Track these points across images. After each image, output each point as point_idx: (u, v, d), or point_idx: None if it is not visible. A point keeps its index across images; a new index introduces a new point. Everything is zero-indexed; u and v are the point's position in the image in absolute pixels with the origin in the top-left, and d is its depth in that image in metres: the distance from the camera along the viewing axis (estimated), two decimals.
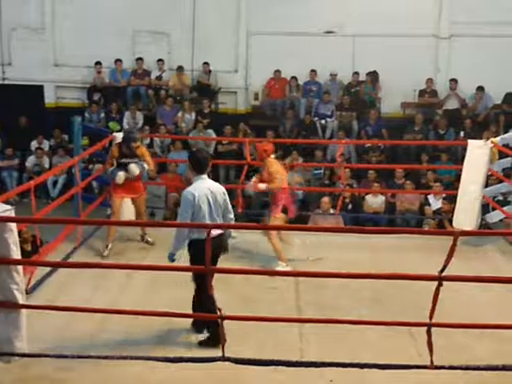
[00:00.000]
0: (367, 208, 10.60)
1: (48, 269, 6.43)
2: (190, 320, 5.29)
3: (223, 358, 4.57)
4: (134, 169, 7.32)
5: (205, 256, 4.42)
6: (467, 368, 4.64)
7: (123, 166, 7.30)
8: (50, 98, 13.71)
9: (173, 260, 5.10)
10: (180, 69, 13.22)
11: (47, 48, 13.60)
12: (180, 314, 4.98)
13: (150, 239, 7.57)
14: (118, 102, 13.08)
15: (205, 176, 5.18)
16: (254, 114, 13.54)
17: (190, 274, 5.11)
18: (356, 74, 13.16)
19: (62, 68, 13.62)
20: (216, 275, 4.87)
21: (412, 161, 11.69)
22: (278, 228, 6.99)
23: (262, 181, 7.04)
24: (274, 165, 6.96)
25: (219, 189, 5.18)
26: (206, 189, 5.09)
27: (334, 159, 11.12)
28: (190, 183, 5.26)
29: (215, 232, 4.99)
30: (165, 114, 12.85)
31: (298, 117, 13.07)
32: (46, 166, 12.31)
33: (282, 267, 6.64)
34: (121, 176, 7.25)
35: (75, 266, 6.00)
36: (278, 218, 6.79)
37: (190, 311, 5.05)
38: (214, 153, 12.22)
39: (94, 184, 10.97)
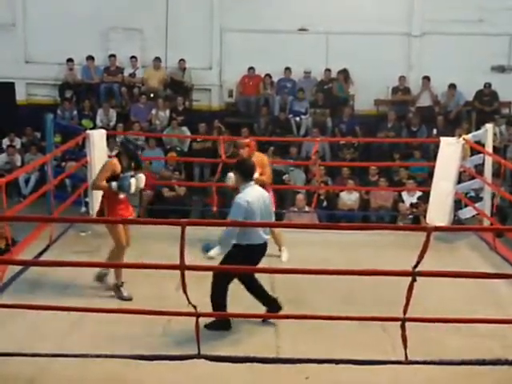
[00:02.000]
0: (342, 205, 10.65)
1: (19, 267, 6.34)
2: (166, 317, 5.26)
3: (199, 356, 4.56)
4: (142, 179, 5.95)
5: (248, 260, 5.04)
6: (441, 363, 4.71)
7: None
8: (21, 96, 13.55)
9: (207, 250, 5.42)
10: (157, 60, 13.14)
11: (18, 45, 13.45)
12: (158, 311, 4.96)
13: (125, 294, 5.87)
14: (90, 99, 12.97)
15: (253, 182, 5.27)
16: (229, 111, 13.53)
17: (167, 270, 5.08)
18: (328, 71, 13.22)
19: (34, 65, 13.47)
20: (191, 273, 4.85)
21: (385, 158, 11.78)
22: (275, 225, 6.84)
23: None
24: (264, 158, 6.95)
25: (267, 195, 5.38)
26: (257, 195, 5.21)
27: (309, 156, 11.16)
28: (237, 191, 5.32)
29: (266, 238, 5.27)
30: (138, 111, 12.78)
31: (273, 114, 13.10)
32: (18, 163, 12.16)
33: (285, 253, 6.91)
34: (132, 183, 5.75)
35: (48, 265, 5.94)
36: None
37: (169, 308, 5.02)
38: (188, 150, 12.20)
39: (67, 182, 10.86)
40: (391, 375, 4.60)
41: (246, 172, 5.25)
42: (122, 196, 5.84)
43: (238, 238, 5.12)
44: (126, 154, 5.89)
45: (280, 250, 6.99)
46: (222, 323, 5.18)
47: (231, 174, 6.21)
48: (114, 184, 5.70)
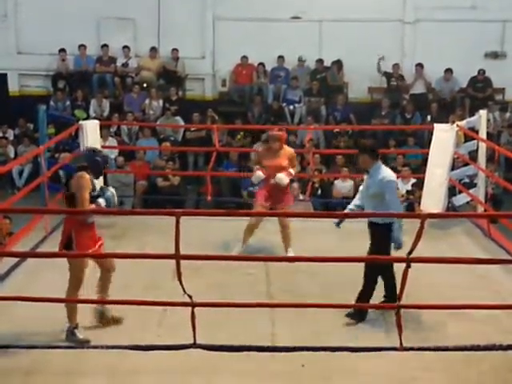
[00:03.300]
0: (336, 193, 10.66)
1: (16, 259, 6.34)
2: (162, 307, 5.26)
3: (195, 345, 4.57)
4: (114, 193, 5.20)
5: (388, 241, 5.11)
6: (436, 349, 4.73)
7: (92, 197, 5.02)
8: (13, 87, 13.44)
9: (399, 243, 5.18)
10: (153, 49, 13.08)
11: (10, 35, 13.32)
12: (153, 301, 4.97)
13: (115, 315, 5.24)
14: (83, 89, 12.91)
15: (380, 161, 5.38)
16: (222, 100, 13.48)
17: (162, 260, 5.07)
18: (321, 60, 13.17)
19: (26, 56, 13.35)
20: (187, 262, 4.85)
21: (380, 145, 11.74)
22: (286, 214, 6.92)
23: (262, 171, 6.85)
24: (292, 151, 6.97)
25: None
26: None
27: (303, 144, 11.15)
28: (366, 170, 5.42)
29: None
30: (132, 101, 12.73)
31: (266, 103, 13.06)
32: (11, 155, 12.09)
33: (292, 254, 6.72)
34: (114, 194, 5.10)
35: (44, 256, 5.93)
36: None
37: (165, 298, 5.01)
38: (182, 140, 12.18)
39: (61, 173, 10.82)
40: (386, 362, 4.62)
41: (374, 152, 5.35)
42: (91, 220, 4.97)
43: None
44: (92, 167, 5.03)
45: (286, 250, 6.83)
46: (362, 314, 5.29)
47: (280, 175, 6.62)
48: (101, 201, 4.97)
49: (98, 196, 4.98)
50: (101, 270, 5.12)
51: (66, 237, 4.90)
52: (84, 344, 4.83)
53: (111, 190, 5.09)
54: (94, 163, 5.03)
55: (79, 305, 4.93)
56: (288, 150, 6.87)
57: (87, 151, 5.26)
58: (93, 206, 4.90)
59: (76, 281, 4.89)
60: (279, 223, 6.79)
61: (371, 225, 5.30)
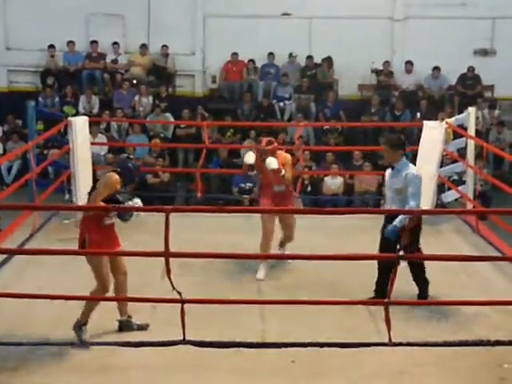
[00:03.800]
0: (326, 190, 10.68)
1: (3, 256, 6.31)
2: (152, 304, 5.25)
3: (184, 342, 4.57)
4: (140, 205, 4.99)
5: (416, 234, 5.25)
6: (425, 344, 4.75)
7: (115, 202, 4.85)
8: (2, 83, 13.37)
9: (397, 235, 5.15)
10: (143, 46, 13.04)
11: None
12: (143, 298, 4.97)
13: (138, 322, 5.11)
14: (72, 86, 12.85)
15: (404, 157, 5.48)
16: (212, 97, 13.46)
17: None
18: (311, 57, 13.18)
19: (14, 52, 13.29)
20: (177, 259, 4.85)
21: (369, 142, 11.80)
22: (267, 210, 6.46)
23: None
24: (288, 157, 6.45)
25: None
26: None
27: (293, 141, 11.16)
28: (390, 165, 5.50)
29: None
30: (121, 97, 12.68)
31: (256, 100, 13.06)
32: (0, 151, 12.04)
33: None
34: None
35: (32, 253, 5.91)
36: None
37: (155, 295, 5.00)
38: (172, 137, 12.16)
39: (50, 169, 10.79)
40: (375, 357, 4.64)
41: (402, 146, 5.45)
42: (108, 222, 4.86)
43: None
44: (125, 173, 4.91)
45: (282, 248, 6.60)
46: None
47: (251, 153, 6.27)
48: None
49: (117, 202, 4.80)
50: (116, 274, 4.98)
51: (82, 238, 4.83)
52: (82, 343, 4.77)
53: (135, 201, 4.88)
54: (127, 169, 4.92)
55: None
56: (283, 156, 6.35)
57: (121, 157, 5.15)
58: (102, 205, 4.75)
59: (101, 283, 4.81)
60: (283, 235, 6.43)
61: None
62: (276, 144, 6.38)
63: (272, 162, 6.06)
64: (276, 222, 6.29)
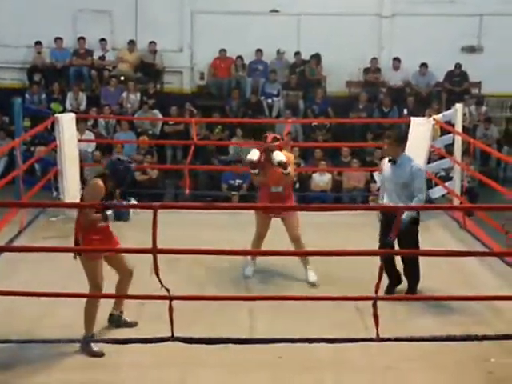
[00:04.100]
0: (314, 186, 10.69)
1: None
2: (140, 301, 5.24)
3: (172, 338, 4.56)
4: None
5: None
6: (412, 339, 4.77)
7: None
8: None
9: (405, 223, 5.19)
10: (131, 42, 13.00)
11: None
12: (131, 295, 4.97)
13: (128, 319, 5.18)
14: (60, 82, 12.78)
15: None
16: (200, 93, 13.44)
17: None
18: (299, 53, 13.18)
19: (1, 48, 13.15)
20: (165, 256, 4.83)
21: (357, 139, 11.83)
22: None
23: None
24: (290, 156, 6.24)
25: None
26: None
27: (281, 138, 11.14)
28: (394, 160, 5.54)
29: None
30: (109, 94, 12.63)
31: (244, 96, 13.05)
32: None
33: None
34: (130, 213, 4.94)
35: (21, 250, 5.88)
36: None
37: (143, 292, 5.00)
38: (160, 133, 12.12)
39: (37, 167, 10.72)
40: (363, 353, 4.66)
41: (403, 140, 5.60)
42: (101, 225, 4.80)
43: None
44: (114, 176, 4.86)
45: (306, 269, 6.08)
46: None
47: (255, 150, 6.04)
48: (109, 213, 4.76)
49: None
50: (119, 273, 5.00)
51: (75, 241, 4.81)
52: (97, 356, 4.67)
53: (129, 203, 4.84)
54: (115, 172, 4.85)
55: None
56: (286, 154, 6.07)
57: (111, 160, 5.08)
58: (97, 215, 4.70)
59: (93, 286, 4.77)
60: (290, 237, 6.06)
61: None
62: (280, 144, 6.10)
63: (279, 155, 5.86)
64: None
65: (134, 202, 4.83)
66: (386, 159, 5.71)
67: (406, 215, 5.20)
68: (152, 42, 13.05)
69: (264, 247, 6.16)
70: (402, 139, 5.62)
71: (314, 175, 10.77)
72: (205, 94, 13.36)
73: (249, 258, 6.23)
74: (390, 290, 5.63)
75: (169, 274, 4.81)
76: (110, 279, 4.94)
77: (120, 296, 5.01)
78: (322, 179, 10.74)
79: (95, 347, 4.74)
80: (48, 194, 8.16)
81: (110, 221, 4.79)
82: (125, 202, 4.79)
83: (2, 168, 11.48)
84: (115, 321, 5.08)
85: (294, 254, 5.97)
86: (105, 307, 4.95)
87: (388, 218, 5.21)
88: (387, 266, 5.32)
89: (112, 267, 4.98)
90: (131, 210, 4.81)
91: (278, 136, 6.21)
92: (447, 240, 7.27)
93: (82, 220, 4.78)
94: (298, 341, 4.65)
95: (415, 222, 5.46)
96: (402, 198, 5.43)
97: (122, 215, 4.81)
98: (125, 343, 4.72)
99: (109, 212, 4.74)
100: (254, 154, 6.01)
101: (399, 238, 5.14)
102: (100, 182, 4.78)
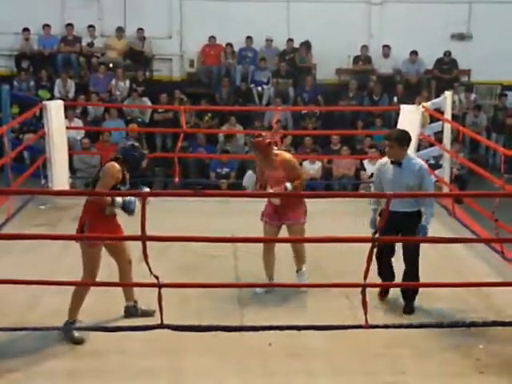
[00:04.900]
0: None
1: None
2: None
3: (162, 326, 4.56)
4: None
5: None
6: (400, 326, 4.80)
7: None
8: None
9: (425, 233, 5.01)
10: (119, 29, 12.90)
11: None
12: (120, 283, 4.95)
13: (143, 307, 5.08)
14: (48, 69, 12.69)
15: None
16: (190, 81, 13.40)
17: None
18: (291, 40, 13.15)
19: None
20: (154, 244, 4.82)
21: (347, 127, 11.83)
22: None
23: (263, 184, 5.62)
24: (291, 157, 5.60)
25: None
26: None
27: (271, 126, 11.13)
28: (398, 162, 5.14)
29: None
30: (98, 81, 12.56)
31: (234, 84, 13.01)
32: None
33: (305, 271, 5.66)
34: (137, 204, 4.71)
35: (8, 238, 5.85)
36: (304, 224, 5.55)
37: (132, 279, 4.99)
38: (149, 121, 12.07)
39: (26, 154, 10.67)
40: (351, 339, 4.68)
41: (406, 141, 5.15)
42: (109, 212, 4.77)
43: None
44: (129, 162, 4.82)
45: (298, 269, 5.69)
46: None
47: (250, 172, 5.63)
48: (118, 200, 4.69)
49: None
50: (119, 263, 4.96)
51: (81, 226, 4.77)
52: (77, 343, 4.65)
53: (135, 200, 4.71)
54: (130, 157, 4.82)
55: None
56: (283, 158, 5.44)
57: (125, 145, 4.98)
58: (108, 199, 4.66)
59: (87, 273, 4.73)
60: (289, 234, 5.61)
61: (402, 214, 5.02)
62: (266, 140, 5.38)
63: (275, 200, 5.37)
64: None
65: (146, 190, 4.78)
66: (383, 161, 5.30)
67: (425, 222, 5.03)
68: (140, 29, 12.96)
69: (254, 233, 6.18)
70: (403, 139, 5.14)
71: (305, 163, 10.77)
72: (194, 81, 13.31)
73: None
74: (384, 294, 5.38)
75: (158, 262, 4.80)
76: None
77: (108, 284, 4.98)
78: (312, 167, 10.74)
79: (77, 333, 4.70)
80: (37, 182, 8.12)
81: (117, 207, 4.71)
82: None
83: None
84: (132, 312, 5.01)
85: (284, 241, 5.92)
86: (100, 296, 4.94)
87: (392, 224, 4.84)
88: (383, 266, 5.26)
89: (112, 256, 4.94)
90: (137, 205, 4.71)
91: (273, 140, 5.52)
92: (436, 227, 7.27)
93: (90, 204, 4.74)
94: (288, 328, 4.67)
95: (419, 216, 5.14)
96: (410, 202, 5.06)
97: (127, 206, 4.73)
98: (113, 331, 4.71)
99: (118, 198, 4.69)
100: (250, 181, 5.70)
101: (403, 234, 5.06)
102: (117, 165, 4.75)
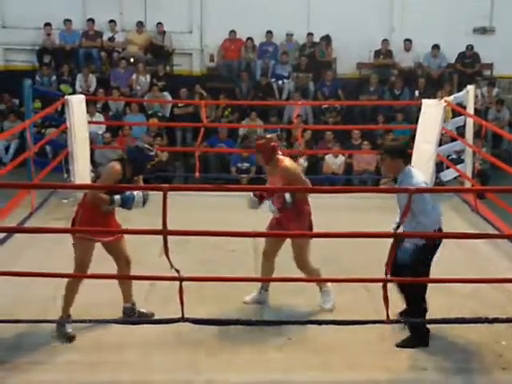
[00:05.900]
0: (326, 169, 10.66)
1: (2, 235, 6.31)
2: (150, 282, 5.25)
3: (183, 319, 4.57)
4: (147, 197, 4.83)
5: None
6: (422, 322, 4.76)
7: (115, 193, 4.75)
8: None
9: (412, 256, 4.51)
10: (140, 24, 12.94)
11: None
12: (141, 276, 4.97)
13: (143, 310, 5.06)
14: (69, 64, 12.77)
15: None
16: (210, 75, 13.39)
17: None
18: (310, 34, 13.10)
19: (11, 30, 13.16)
20: (174, 238, 4.83)
21: (368, 121, 11.76)
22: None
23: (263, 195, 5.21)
24: (293, 163, 5.23)
25: None
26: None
27: (291, 121, 11.11)
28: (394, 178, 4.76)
29: None
30: (118, 76, 12.61)
31: (254, 78, 12.99)
32: None
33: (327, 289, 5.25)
34: (139, 201, 4.75)
35: (33, 231, 5.90)
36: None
37: (152, 273, 5.00)
38: (170, 115, 12.10)
39: (48, 148, 10.75)
40: (373, 335, 4.66)
41: (402, 154, 4.60)
42: (106, 209, 4.76)
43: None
44: (132, 163, 4.82)
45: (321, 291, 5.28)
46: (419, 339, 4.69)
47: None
48: (116, 198, 4.70)
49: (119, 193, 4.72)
50: (117, 263, 4.93)
51: (73, 219, 4.80)
52: (69, 340, 4.68)
53: (140, 194, 4.75)
54: (134, 159, 4.81)
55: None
56: (285, 166, 5.03)
57: (132, 147, 4.99)
58: (106, 196, 4.66)
59: (77, 268, 4.74)
60: (292, 246, 5.23)
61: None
62: (268, 143, 5.04)
63: (274, 211, 5.10)
64: None
65: (142, 194, 4.79)
66: None
67: (410, 244, 4.48)
68: (159, 23, 12.97)
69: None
70: (397, 151, 4.58)
71: (327, 157, 10.73)
72: (215, 76, 13.30)
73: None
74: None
75: (178, 256, 4.80)
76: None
77: (130, 277, 4.99)
78: (334, 161, 10.69)
79: (69, 329, 4.72)
80: (59, 176, 8.19)
81: (115, 205, 4.72)
82: (135, 192, 4.74)
83: (14, 150, 11.53)
84: (129, 313, 5.01)
85: (306, 236, 5.89)
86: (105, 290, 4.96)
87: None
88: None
89: (111, 255, 4.91)
90: (140, 201, 4.71)
91: (274, 142, 5.11)
92: (458, 222, 7.24)
93: (88, 197, 4.77)
94: (308, 322, 4.66)
95: (425, 251, 4.59)
96: (404, 225, 4.44)
97: (126, 202, 4.75)
98: (135, 324, 4.75)
99: (116, 197, 4.69)
100: (254, 204, 5.20)
101: (400, 272, 4.50)
102: (117, 166, 4.76)
